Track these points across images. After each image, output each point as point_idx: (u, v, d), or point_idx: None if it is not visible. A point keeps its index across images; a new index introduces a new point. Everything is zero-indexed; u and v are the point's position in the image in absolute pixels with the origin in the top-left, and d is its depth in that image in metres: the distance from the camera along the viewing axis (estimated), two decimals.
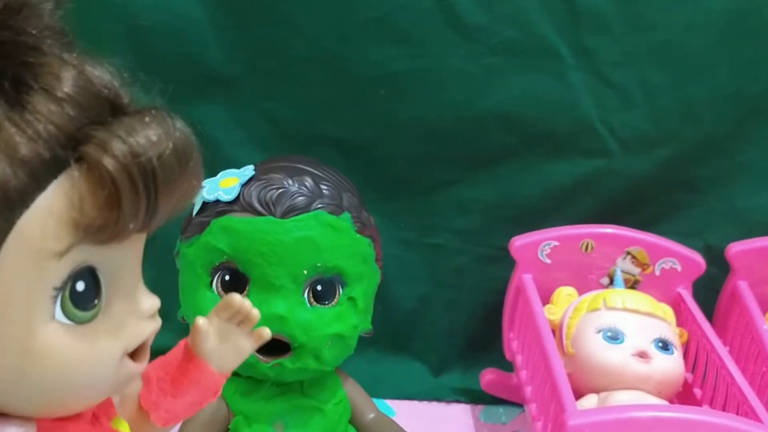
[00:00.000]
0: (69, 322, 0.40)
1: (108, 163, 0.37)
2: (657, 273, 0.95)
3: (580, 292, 0.95)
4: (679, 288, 0.95)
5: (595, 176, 1.00)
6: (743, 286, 0.95)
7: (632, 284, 0.96)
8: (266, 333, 0.55)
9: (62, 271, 0.39)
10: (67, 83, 0.38)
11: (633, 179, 1.01)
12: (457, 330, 1.08)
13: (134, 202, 0.38)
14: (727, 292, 0.98)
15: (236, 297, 0.54)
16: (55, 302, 0.39)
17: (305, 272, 0.69)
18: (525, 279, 0.94)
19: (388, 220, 1.05)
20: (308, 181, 0.70)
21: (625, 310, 0.88)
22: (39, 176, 0.37)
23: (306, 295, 0.70)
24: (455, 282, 1.06)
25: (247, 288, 0.70)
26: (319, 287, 0.70)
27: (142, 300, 0.44)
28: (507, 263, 1.00)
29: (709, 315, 1.00)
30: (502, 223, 1.02)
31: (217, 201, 0.70)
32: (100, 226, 0.38)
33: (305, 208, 0.69)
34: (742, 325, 0.93)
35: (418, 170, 1.03)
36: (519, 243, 0.95)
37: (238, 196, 0.69)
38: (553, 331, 0.91)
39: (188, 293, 0.72)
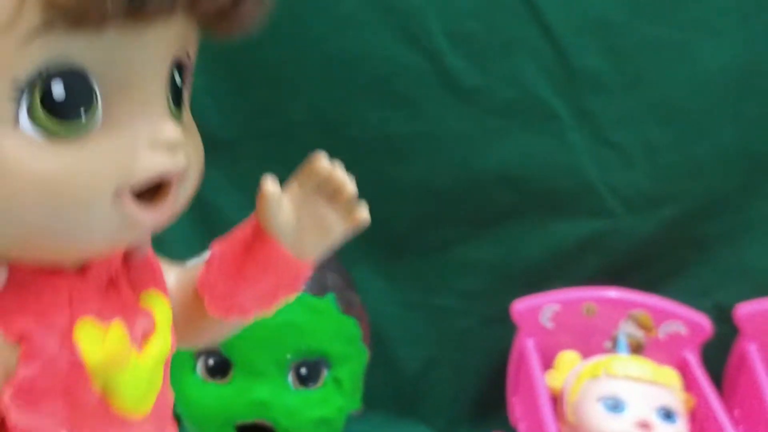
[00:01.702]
0: (39, 134, 0.32)
1: None
2: (661, 337, 0.93)
3: (584, 356, 0.93)
4: (685, 352, 0.93)
5: (598, 236, 0.99)
6: (752, 348, 0.93)
7: (636, 348, 0.93)
8: (364, 214, 0.44)
9: (28, 61, 0.31)
10: None
11: (638, 239, 0.99)
12: (464, 393, 1.06)
13: None
14: (736, 355, 0.95)
15: (324, 160, 0.43)
16: (18, 105, 0.31)
17: (288, 356, 0.68)
18: (527, 344, 0.93)
19: (391, 282, 1.04)
20: None
21: (626, 378, 0.86)
22: None
23: (290, 378, 0.70)
24: (460, 344, 1.05)
25: (230, 372, 0.69)
26: (303, 370, 0.70)
27: (159, 124, 0.35)
28: (513, 324, 0.98)
29: (720, 377, 0.98)
30: (506, 283, 1.01)
31: None
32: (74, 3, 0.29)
33: None
34: (750, 390, 0.91)
35: (420, 231, 1.02)
36: (520, 307, 0.94)
37: None
38: (556, 398, 0.89)
39: (174, 377, 0.71)
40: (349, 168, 0.97)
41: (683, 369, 0.92)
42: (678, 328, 0.93)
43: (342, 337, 0.71)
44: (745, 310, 0.94)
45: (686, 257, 1.01)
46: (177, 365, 0.70)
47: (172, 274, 0.44)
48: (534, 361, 0.90)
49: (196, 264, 0.44)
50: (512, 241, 1.00)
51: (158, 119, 0.35)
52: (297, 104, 0.97)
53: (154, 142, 0.35)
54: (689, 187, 0.97)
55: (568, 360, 0.92)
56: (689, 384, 0.91)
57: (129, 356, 0.39)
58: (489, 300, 1.02)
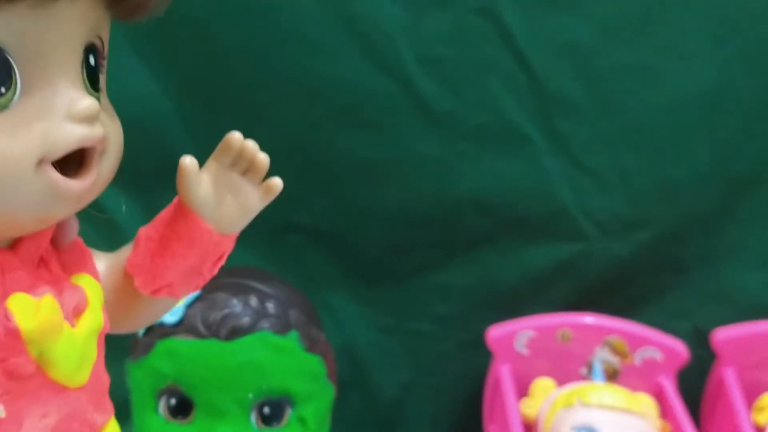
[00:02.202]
0: None
1: None
2: (637, 363, 0.92)
3: (560, 382, 0.92)
4: (662, 378, 0.92)
5: (574, 260, 0.98)
6: (729, 374, 0.92)
7: (612, 374, 0.93)
8: (277, 183, 0.45)
9: None
10: None
11: (614, 262, 0.98)
12: (441, 417, 1.06)
13: None
14: (714, 380, 0.95)
15: (236, 135, 0.44)
16: None
17: (251, 396, 0.68)
18: (502, 371, 0.92)
19: (367, 307, 1.04)
20: (253, 300, 0.69)
21: (600, 406, 0.86)
22: None
23: (253, 417, 0.69)
24: (438, 368, 1.04)
25: (192, 413, 0.69)
26: (266, 409, 0.69)
27: (76, 97, 0.37)
28: (489, 349, 0.98)
29: (699, 402, 0.97)
30: (483, 308, 1.01)
31: (162, 323, 0.69)
32: None
33: (250, 329, 0.68)
34: (727, 415, 0.90)
35: (394, 256, 1.01)
36: (495, 334, 0.93)
37: (183, 318, 0.68)
38: (531, 426, 0.88)
39: (137, 416, 0.71)
40: (323, 193, 0.97)
41: (659, 395, 0.92)
42: (654, 354, 0.92)
43: (306, 376, 0.71)
44: (722, 335, 0.93)
45: (664, 280, 1.00)
46: (139, 405, 0.70)
47: (103, 260, 0.45)
48: (508, 388, 0.90)
49: (125, 248, 0.45)
50: (487, 265, 1.00)
51: (75, 93, 0.37)
52: (269, 129, 0.96)
53: (72, 113, 0.37)
54: (664, 211, 0.96)
55: (542, 387, 0.91)
56: (665, 411, 0.90)
57: (62, 328, 0.40)
58: (465, 325, 1.02)
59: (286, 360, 0.69)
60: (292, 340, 0.70)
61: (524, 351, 0.93)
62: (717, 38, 0.91)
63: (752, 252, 0.98)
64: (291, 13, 0.90)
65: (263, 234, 1.00)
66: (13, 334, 0.37)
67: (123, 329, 0.47)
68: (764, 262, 0.99)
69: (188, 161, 0.43)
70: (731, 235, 0.98)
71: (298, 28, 0.91)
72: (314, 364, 0.71)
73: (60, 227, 0.43)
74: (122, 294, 0.45)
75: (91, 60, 0.40)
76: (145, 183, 0.98)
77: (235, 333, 0.68)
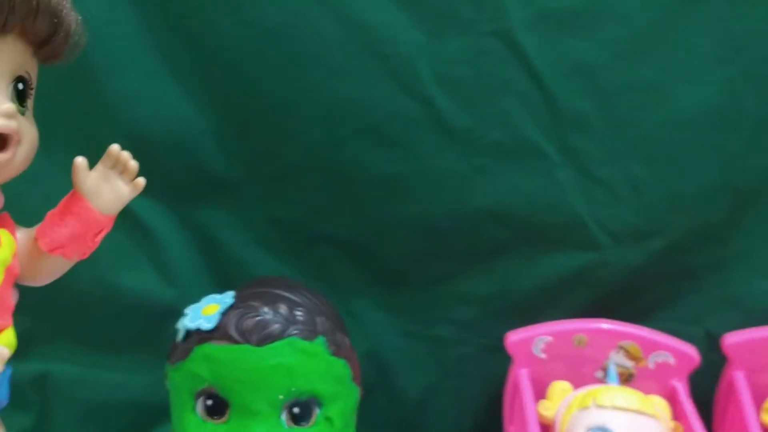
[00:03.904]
0: None
1: None
2: (651, 366, 0.96)
3: (576, 386, 0.97)
4: (674, 381, 0.96)
5: (588, 269, 1.03)
6: (739, 377, 0.96)
7: (627, 378, 0.97)
8: (141, 182, 0.65)
9: None
10: None
11: (627, 270, 1.02)
12: (464, 420, 1.10)
13: None
14: (725, 383, 0.98)
15: (115, 147, 0.64)
16: None
17: (281, 397, 0.73)
18: (520, 374, 0.97)
19: (391, 313, 1.09)
20: (283, 308, 0.74)
21: (614, 408, 0.89)
22: None
23: (284, 417, 0.74)
24: (459, 372, 1.09)
25: (227, 413, 0.74)
26: (296, 409, 0.74)
27: (3, 102, 0.57)
28: (508, 353, 1.02)
29: (711, 404, 1.01)
30: (502, 314, 1.05)
31: (199, 329, 0.74)
32: None
33: (280, 335, 0.73)
34: (737, 418, 0.94)
35: (417, 265, 1.06)
36: (514, 339, 0.98)
37: (218, 325, 0.74)
38: (549, 427, 0.93)
39: (176, 415, 0.77)
40: (348, 206, 1.03)
41: (672, 398, 0.95)
42: (666, 358, 0.96)
43: (332, 378, 0.76)
44: (733, 339, 0.97)
45: (675, 287, 1.04)
46: (178, 406, 0.76)
47: (24, 232, 0.65)
48: (526, 391, 0.94)
49: (36, 226, 0.65)
50: (505, 274, 1.04)
51: (3, 100, 0.57)
52: (296, 148, 1.03)
53: None
54: (674, 221, 1.01)
55: (560, 390, 0.96)
56: (678, 412, 0.94)
57: None
58: (485, 330, 1.06)
59: (313, 363, 0.74)
60: (319, 345, 0.75)
61: (542, 355, 0.97)
62: (722, 57, 0.95)
63: (759, 260, 1.02)
64: (316, 38, 0.96)
65: (294, 245, 1.06)
66: None
67: (36, 282, 0.66)
68: None
69: (80, 160, 0.63)
70: (739, 244, 1.02)
71: (323, 53, 0.97)
72: (340, 367, 0.76)
73: None
74: (33, 253, 0.64)
75: (20, 86, 0.60)
76: (179, 195, 1.04)
77: (266, 339, 0.73)
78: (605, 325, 0.97)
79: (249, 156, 1.03)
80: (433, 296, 1.07)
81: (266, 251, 1.05)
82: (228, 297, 0.76)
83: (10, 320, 0.63)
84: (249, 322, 0.72)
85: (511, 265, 1.04)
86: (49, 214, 0.65)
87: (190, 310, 0.75)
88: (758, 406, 0.95)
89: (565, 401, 0.93)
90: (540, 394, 0.97)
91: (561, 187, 1.00)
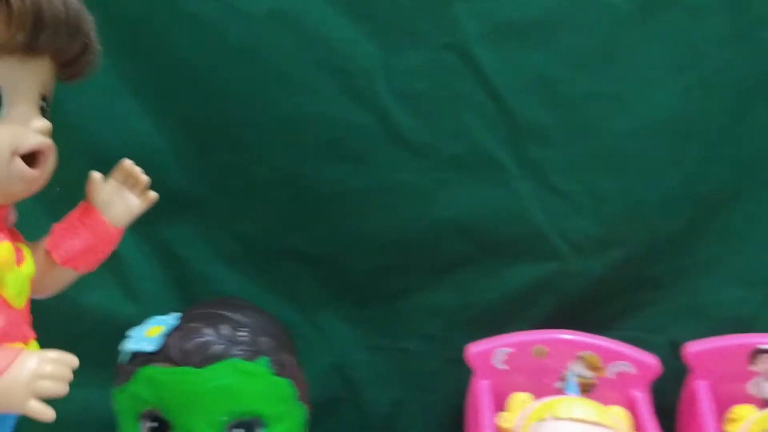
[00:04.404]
0: None
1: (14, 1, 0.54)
2: (611, 376, 0.96)
3: (538, 396, 0.97)
4: (635, 391, 0.96)
5: (551, 279, 1.03)
6: (701, 386, 0.96)
7: (587, 388, 0.97)
8: (153, 195, 0.69)
9: None
10: None
11: (589, 280, 1.03)
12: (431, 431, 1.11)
13: (23, 20, 0.54)
14: (688, 393, 0.98)
15: (127, 162, 0.67)
16: None
17: (224, 418, 0.74)
18: (480, 386, 0.97)
19: (357, 327, 1.10)
20: (226, 329, 0.75)
21: (571, 419, 0.90)
22: None
23: None
24: (426, 385, 1.09)
25: None
26: (238, 430, 0.75)
27: (35, 119, 0.59)
28: None
29: (676, 413, 1.01)
30: (467, 326, 1.05)
31: (142, 351, 0.75)
32: None
33: (221, 357, 0.74)
34: (697, 427, 0.94)
35: (382, 279, 1.07)
36: (474, 351, 0.98)
37: (161, 347, 0.74)
38: None
39: None
40: (312, 221, 1.03)
41: (633, 408, 0.95)
42: (626, 367, 0.96)
43: (276, 398, 0.76)
44: (694, 348, 0.97)
45: (639, 297, 1.04)
46: (123, 427, 0.76)
47: (31, 245, 0.65)
48: (485, 402, 0.94)
49: (42, 240, 0.67)
50: (469, 286, 1.05)
51: (37, 116, 0.60)
52: (259, 164, 1.03)
53: (36, 127, 0.59)
54: (636, 231, 1.00)
55: (519, 401, 0.96)
56: (638, 423, 0.94)
57: (13, 263, 0.60)
58: (450, 343, 1.06)
59: (255, 384, 0.75)
60: (262, 365, 0.75)
61: (502, 367, 0.98)
62: (680, 66, 0.95)
63: (724, 268, 1.02)
64: (276, 54, 0.97)
65: (258, 261, 1.07)
66: None
67: (41, 294, 0.67)
68: (735, 277, 1.02)
69: (95, 174, 0.66)
70: (703, 253, 1.02)
71: (283, 69, 0.98)
72: (284, 387, 0.77)
73: (9, 213, 0.63)
74: (42, 266, 0.65)
75: (43, 104, 0.62)
76: (148, 215, 1.04)
77: (208, 360, 0.74)
78: (564, 335, 0.97)
79: (212, 172, 1.04)
80: (399, 310, 1.07)
81: (231, 267, 1.06)
82: (172, 318, 0.77)
83: (34, 334, 0.64)
84: (190, 344, 0.73)
85: (474, 277, 1.04)
86: (57, 227, 0.67)
87: (133, 332, 0.76)
88: (720, 415, 0.95)
89: (524, 413, 0.93)
90: (502, 405, 0.97)
91: (521, 199, 1.00)
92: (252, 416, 0.75)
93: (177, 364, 0.74)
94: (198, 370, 0.73)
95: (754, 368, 0.95)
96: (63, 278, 0.68)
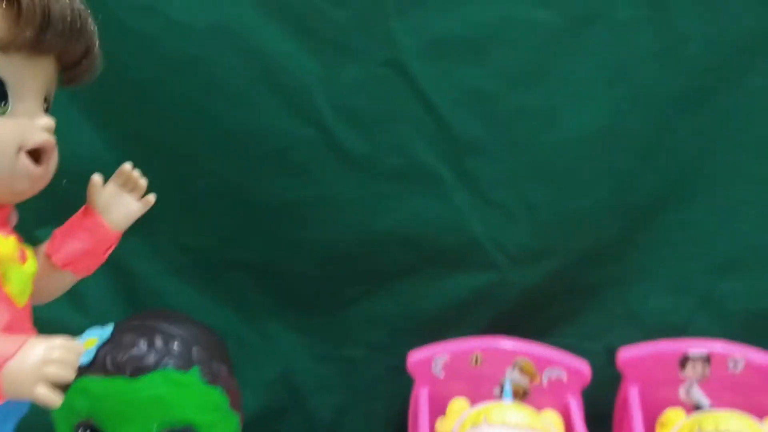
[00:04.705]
0: None
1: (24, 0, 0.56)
2: (545, 383, 0.99)
3: (476, 402, 0.99)
4: (568, 396, 0.99)
5: (488, 288, 1.05)
6: (633, 391, 0.98)
7: (523, 394, 1.00)
8: (151, 198, 0.71)
9: None
10: None
11: (525, 289, 1.05)
12: None
13: (32, 18, 0.56)
14: (621, 398, 1.01)
15: (126, 165, 0.69)
16: None
17: (155, 427, 0.75)
18: (420, 393, 1.00)
19: (303, 336, 1.12)
20: (158, 340, 0.77)
21: (503, 424, 0.92)
22: None
23: None
24: (370, 392, 1.12)
25: None
26: None
27: (40, 116, 0.60)
28: None
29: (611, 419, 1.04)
30: (409, 335, 1.08)
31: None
32: (6, 40, 0.56)
33: (153, 367, 0.76)
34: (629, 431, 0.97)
35: (327, 289, 1.09)
36: (414, 359, 1.01)
37: (95, 358, 0.76)
38: None
39: None
40: (257, 232, 1.05)
41: (566, 413, 0.98)
42: (559, 374, 0.99)
43: (208, 406, 0.78)
44: (626, 354, 1.00)
45: (575, 305, 1.07)
46: None
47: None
48: (423, 409, 0.97)
49: (42, 244, 0.68)
50: (411, 295, 1.07)
51: (42, 114, 0.61)
52: (203, 176, 1.05)
53: (41, 125, 0.60)
54: (570, 241, 1.04)
55: (457, 407, 0.98)
56: (571, 427, 0.97)
57: (16, 258, 0.62)
58: (393, 351, 1.09)
59: (187, 394, 0.77)
60: (193, 375, 0.78)
61: (441, 374, 1.00)
62: (607, 81, 0.99)
63: (656, 276, 1.05)
64: (218, 68, 0.99)
65: (206, 273, 1.09)
66: None
67: (40, 300, 0.67)
68: (667, 285, 1.06)
69: (96, 178, 0.69)
70: (636, 262, 1.05)
71: (225, 83, 1.00)
72: (216, 395, 0.79)
73: (11, 214, 0.64)
74: (42, 270, 0.66)
75: (45, 105, 0.63)
76: None
77: (140, 371, 0.76)
78: (500, 342, 0.99)
79: (157, 186, 1.05)
80: (343, 319, 1.09)
81: (179, 279, 1.08)
82: (107, 330, 0.79)
83: (35, 330, 0.65)
84: (123, 355, 0.75)
85: (416, 286, 1.06)
86: (57, 231, 0.68)
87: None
88: (653, 420, 0.98)
89: (460, 419, 0.96)
90: (443, 411, 0.99)
91: (458, 210, 1.02)
92: (184, 425, 0.77)
93: (110, 375, 0.75)
94: (131, 380, 0.75)
95: (683, 374, 0.98)
96: (62, 283, 0.69)
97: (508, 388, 0.98)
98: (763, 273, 1.03)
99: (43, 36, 0.58)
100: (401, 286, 1.07)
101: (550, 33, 0.98)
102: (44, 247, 0.67)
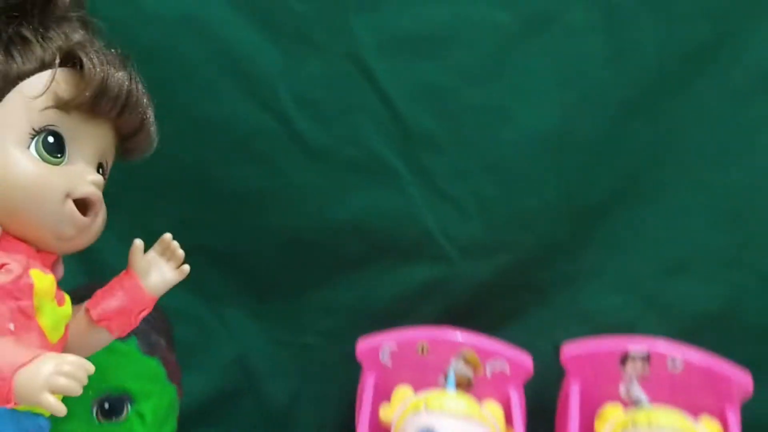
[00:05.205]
0: (37, 156, 0.63)
1: (87, 65, 0.64)
2: (488, 375, 1.01)
3: (420, 391, 1.02)
4: (510, 389, 1.01)
5: (440, 281, 1.08)
6: (574, 387, 1.00)
7: (467, 385, 1.02)
8: (186, 269, 0.74)
9: (39, 120, 0.64)
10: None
11: (476, 283, 1.08)
12: (327, 424, 1.16)
13: (91, 81, 0.63)
14: (563, 395, 1.03)
15: (167, 236, 0.74)
16: (31, 140, 0.63)
17: (90, 393, 0.79)
18: (366, 380, 1.02)
19: (260, 322, 1.15)
20: None
21: (442, 412, 0.95)
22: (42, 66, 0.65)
23: (94, 412, 0.80)
24: (324, 379, 1.14)
25: None
26: (106, 405, 0.80)
27: (90, 171, 0.66)
28: None
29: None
30: (363, 323, 1.10)
31: None
32: (67, 99, 0.64)
33: None
34: (567, 429, 0.99)
35: (285, 276, 1.12)
36: (362, 347, 1.03)
37: None
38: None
39: None
40: (219, 219, 1.08)
41: (509, 405, 1.00)
42: (502, 366, 1.01)
43: (144, 376, 0.82)
44: (570, 350, 1.02)
45: (525, 301, 1.09)
46: None
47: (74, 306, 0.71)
48: (368, 395, 0.99)
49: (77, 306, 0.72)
50: (366, 284, 1.10)
51: (90, 168, 0.67)
52: (169, 163, 1.08)
53: (89, 179, 0.66)
54: (520, 237, 1.06)
55: (401, 394, 1.01)
56: (511, 419, 0.99)
57: (53, 295, 0.66)
58: (348, 338, 1.11)
59: (124, 362, 0.80)
60: (130, 345, 0.81)
61: (388, 362, 1.03)
62: (560, 82, 1.01)
63: (606, 276, 1.07)
64: (182, 58, 1.02)
65: None
66: (29, 287, 0.64)
67: (81, 354, 0.65)
68: (616, 285, 1.08)
69: (138, 242, 0.74)
70: (586, 260, 1.07)
71: (189, 72, 1.03)
72: (153, 366, 0.82)
73: (57, 267, 0.69)
74: (79, 325, 0.71)
75: (99, 171, 0.70)
76: None
77: None
78: (446, 333, 1.02)
79: (122, 171, 1.09)
80: (301, 306, 1.12)
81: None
82: None
83: None
84: None
85: (371, 276, 1.09)
86: (99, 291, 0.72)
87: None
88: (594, 416, 1.00)
89: (403, 405, 0.98)
90: (389, 399, 1.02)
91: (412, 203, 1.05)
92: (119, 393, 0.80)
93: None
94: None
95: (624, 371, 1.00)
96: (98, 339, 0.72)
97: (451, 377, 1.01)
98: (710, 275, 1.05)
99: (100, 99, 0.65)
100: (357, 275, 1.10)
101: (506, 34, 1.00)
102: (85, 303, 0.72)
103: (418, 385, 1.02)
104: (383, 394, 1.02)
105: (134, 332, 0.81)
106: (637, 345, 0.99)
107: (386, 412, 0.99)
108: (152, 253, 0.74)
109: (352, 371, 1.12)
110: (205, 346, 1.14)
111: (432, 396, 0.97)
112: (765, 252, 1.05)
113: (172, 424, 0.85)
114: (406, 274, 1.08)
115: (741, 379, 0.96)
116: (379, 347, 1.03)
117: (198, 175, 1.07)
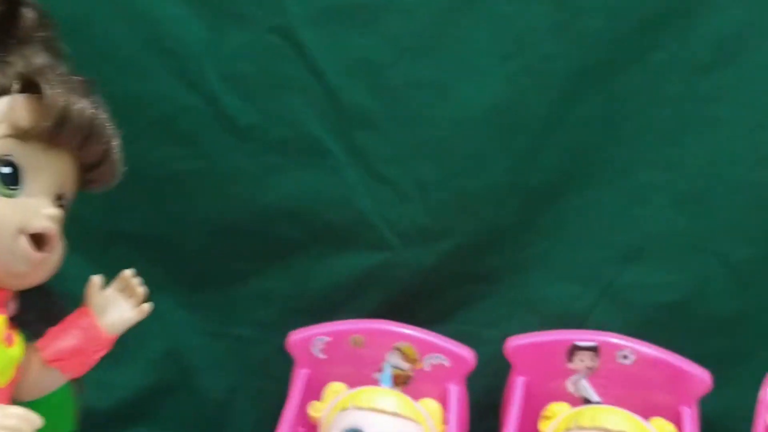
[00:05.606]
0: None
1: (48, 93, 0.60)
2: (427, 369, 0.95)
3: (355, 386, 0.95)
4: (450, 384, 0.94)
5: (380, 269, 1.01)
6: (518, 382, 0.94)
7: (404, 380, 0.95)
8: (146, 307, 0.69)
9: None
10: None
11: (418, 271, 1.01)
12: (265, 418, 1.08)
13: (52, 110, 0.59)
14: (508, 388, 0.96)
15: (127, 272, 0.69)
16: None
17: None
18: (298, 375, 0.96)
19: (193, 313, 1.08)
20: None
21: (370, 410, 0.88)
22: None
23: None
24: (260, 372, 1.08)
25: None
26: None
27: (47, 205, 0.62)
28: None
29: None
30: (299, 314, 1.04)
31: None
32: (26, 128, 0.59)
33: None
34: (511, 424, 0.92)
35: (216, 264, 1.06)
36: (294, 339, 0.97)
37: None
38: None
39: None
40: (142, 203, 1.02)
41: (447, 401, 0.94)
42: (442, 360, 0.94)
43: None
44: (514, 343, 0.95)
45: (472, 290, 1.03)
46: None
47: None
48: (297, 392, 0.93)
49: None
50: (300, 273, 1.03)
51: (46, 201, 0.63)
52: None
53: (46, 213, 0.61)
54: (464, 222, 0.99)
55: (333, 391, 0.94)
56: (450, 416, 0.93)
57: (2, 341, 0.61)
58: (284, 329, 1.05)
59: None
60: None
61: (321, 356, 0.96)
62: (504, 54, 0.94)
63: (556, 263, 1.00)
64: (104, 34, 0.96)
65: (93, 244, 1.05)
66: None
67: (32, 395, 0.67)
68: (568, 273, 1.01)
69: (96, 279, 0.69)
70: (535, 247, 1.00)
71: (112, 48, 0.96)
72: None
73: (10, 301, 0.64)
74: (31, 366, 0.66)
75: (59, 202, 0.65)
76: None
77: None
78: (380, 325, 0.96)
79: None
80: (234, 295, 1.06)
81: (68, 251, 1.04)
82: None
83: None
84: None
85: (305, 264, 1.03)
86: (52, 329, 0.67)
87: None
88: (538, 412, 0.93)
89: (333, 402, 0.92)
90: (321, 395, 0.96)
91: (348, 186, 0.98)
92: None
93: None
94: None
95: (571, 366, 0.93)
96: (51, 381, 0.68)
97: (387, 372, 0.94)
98: (666, 264, 0.98)
99: (60, 129, 0.61)
100: (291, 263, 1.03)
101: (445, 3, 0.94)
102: (36, 343, 0.67)
103: (353, 381, 0.96)
104: (318, 390, 0.96)
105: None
106: (585, 337, 0.92)
107: (316, 410, 0.93)
108: (111, 289, 0.69)
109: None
110: (135, 338, 1.06)
111: (361, 393, 0.91)
112: (729, 236, 0.97)
113: (68, 421, 0.79)
114: (343, 262, 1.02)
115: (698, 374, 0.89)
116: (310, 340, 0.96)
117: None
